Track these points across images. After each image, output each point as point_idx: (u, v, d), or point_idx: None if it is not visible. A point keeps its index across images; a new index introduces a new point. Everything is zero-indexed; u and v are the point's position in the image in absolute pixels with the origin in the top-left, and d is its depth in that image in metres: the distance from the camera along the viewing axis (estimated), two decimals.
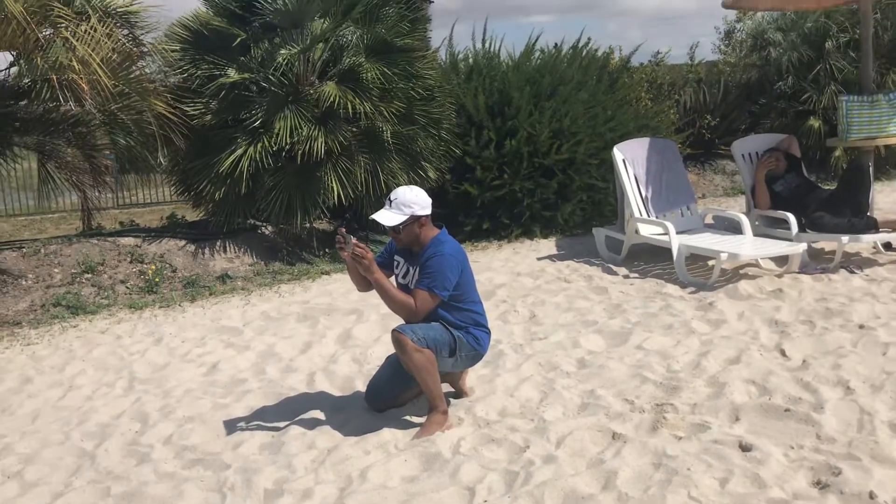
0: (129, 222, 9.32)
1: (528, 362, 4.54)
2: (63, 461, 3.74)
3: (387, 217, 3.67)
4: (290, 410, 4.11)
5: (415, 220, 3.69)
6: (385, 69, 7.62)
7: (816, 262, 6.33)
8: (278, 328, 5.69)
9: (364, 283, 3.84)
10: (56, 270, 6.87)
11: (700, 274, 6.35)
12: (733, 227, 6.86)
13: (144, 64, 7.37)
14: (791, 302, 5.39)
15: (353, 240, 3.56)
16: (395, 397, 4.00)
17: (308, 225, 7.93)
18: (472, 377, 4.30)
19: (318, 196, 7.57)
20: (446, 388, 4.01)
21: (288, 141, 7.33)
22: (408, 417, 3.90)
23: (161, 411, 4.25)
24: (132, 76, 6.72)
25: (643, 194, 6.98)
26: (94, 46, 6.15)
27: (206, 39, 7.71)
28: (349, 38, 8.06)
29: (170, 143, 7.22)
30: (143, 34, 7.43)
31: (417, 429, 3.72)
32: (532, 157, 8.36)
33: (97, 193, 8.61)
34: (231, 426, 3.98)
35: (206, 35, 7.72)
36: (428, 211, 3.73)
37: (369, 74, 7.56)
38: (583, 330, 5.13)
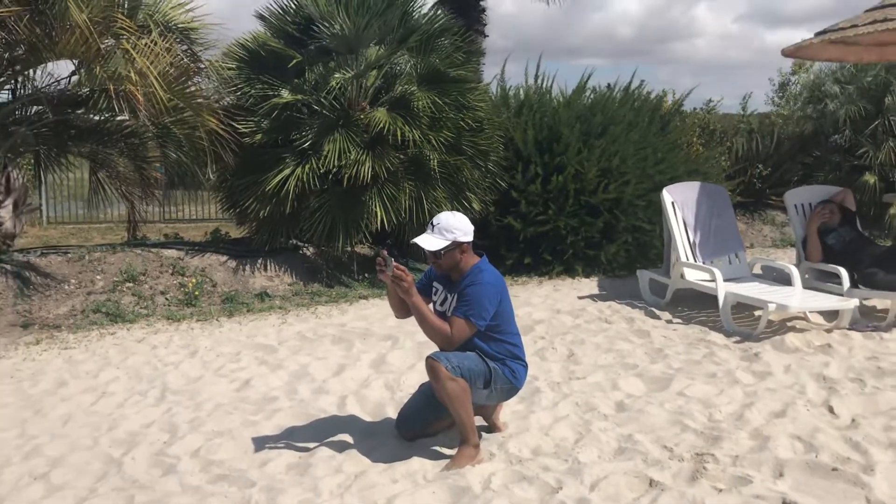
0: (173, 235, 9.42)
1: (564, 401, 4.43)
2: (90, 466, 3.72)
3: (429, 241, 3.61)
4: (319, 432, 4.04)
5: (456, 245, 3.63)
6: (436, 98, 7.64)
7: (868, 320, 6.12)
8: (313, 349, 5.65)
9: (402, 309, 3.78)
10: (98, 277, 6.94)
11: (745, 324, 6.18)
12: (782, 279, 6.68)
13: (200, 80, 7.50)
14: (840, 358, 5.20)
15: (394, 262, 3.51)
16: (426, 426, 3.91)
17: (350, 249, 7.92)
18: (507, 412, 4.20)
19: (361, 220, 7.57)
20: (479, 421, 3.92)
21: (336, 164, 7.36)
22: (438, 448, 3.80)
23: (190, 423, 4.22)
24: (188, 91, 6.82)
25: (691, 239, 6.85)
26: (153, 60, 6.26)
27: (262, 60, 7.82)
28: (403, 67, 8.12)
29: (219, 160, 7.30)
30: (201, 51, 7.58)
31: (447, 460, 3.62)
32: (578, 195, 8.28)
33: (145, 205, 8.74)
34: (259, 444, 3.93)
35: (262, 55, 7.84)
36: (470, 238, 3.67)
37: (420, 103, 7.59)
38: (622, 372, 5.00)
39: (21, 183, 7.80)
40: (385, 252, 3.56)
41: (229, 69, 7.69)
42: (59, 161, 8.02)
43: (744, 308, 6.45)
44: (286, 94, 7.66)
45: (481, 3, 11.79)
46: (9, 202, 7.47)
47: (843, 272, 6.26)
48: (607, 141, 8.52)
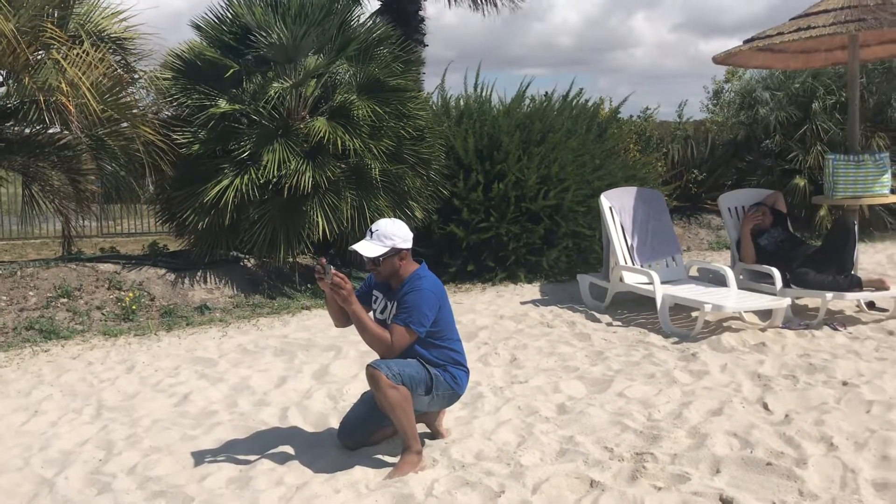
0: (110, 249, 9.20)
1: (507, 406, 4.45)
2: (20, 488, 3.60)
3: (367, 248, 3.60)
4: (260, 445, 3.99)
5: (395, 252, 3.63)
6: (376, 107, 7.64)
7: (800, 318, 6.30)
8: (254, 361, 5.57)
9: (342, 318, 3.76)
10: (31, 293, 6.74)
11: (683, 325, 6.30)
12: (718, 280, 6.84)
13: (135, 90, 7.36)
14: (774, 356, 5.34)
15: (333, 269, 3.49)
16: (368, 435, 3.89)
17: (291, 259, 7.85)
18: (450, 418, 4.20)
19: (302, 230, 7.51)
20: (422, 428, 3.91)
21: (275, 174, 7.29)
22: (381, 457, 3.79)
23: (127, 440, 4.12)
24: (122, 102, 6.70)
25: (629, 243, 6.96)
26: (86, 70, 6.12)
27: (198, 69, 7.71)
28: (342, 76, 8.10)
29: (157, 171, 7.17)
30: (135, 61, 7.43)
31: (390, 469, 3.61)
32: (519, 202, 8.36)
33: (81, 220, 8.51)
34: (198, 458, 3.86)
35: (198, 65, 7.73)
36: (409, 245, 3.67)
37: (360, 111, 7.57)
38: (564, 375, 5.05)
39: None
40: (324, 259, 3.53)
41: (165, 79, 7.57)
42: None
43: (681, 309, 6.58)
44: (224, 104, 7.56)
45: (420, 12, 11.85)
46: None
47: (776, 272, 6.43)
48: (546, 148, 8.61)
